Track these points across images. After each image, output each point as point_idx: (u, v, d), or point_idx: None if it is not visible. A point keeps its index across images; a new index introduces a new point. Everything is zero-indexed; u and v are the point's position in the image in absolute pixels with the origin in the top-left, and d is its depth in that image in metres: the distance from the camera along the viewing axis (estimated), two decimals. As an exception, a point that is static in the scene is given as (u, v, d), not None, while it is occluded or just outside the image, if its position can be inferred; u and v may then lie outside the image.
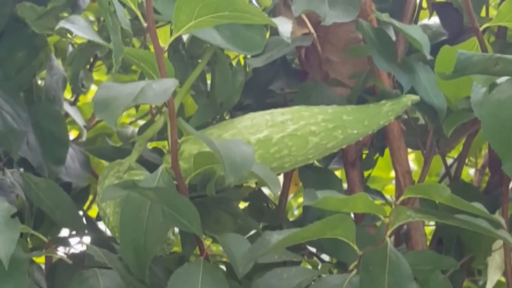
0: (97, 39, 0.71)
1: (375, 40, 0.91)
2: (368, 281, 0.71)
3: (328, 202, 0.67)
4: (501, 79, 0.81)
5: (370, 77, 0.97)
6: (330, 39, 1.02)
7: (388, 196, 1.77)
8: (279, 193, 0.75)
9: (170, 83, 0.69)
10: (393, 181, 1.50)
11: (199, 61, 0.98)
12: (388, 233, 0.73)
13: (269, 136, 0.87)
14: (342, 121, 0.88)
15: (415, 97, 0.90)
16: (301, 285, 0.79)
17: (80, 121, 1.16)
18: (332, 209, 0.69)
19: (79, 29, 0.70)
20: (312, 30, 0.97)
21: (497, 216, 0.68)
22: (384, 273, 0.71)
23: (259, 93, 1.04)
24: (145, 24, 0.70)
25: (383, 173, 1.72)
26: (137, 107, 1.13)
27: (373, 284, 0.71)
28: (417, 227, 1.02)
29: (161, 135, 0.96)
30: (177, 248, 1.00)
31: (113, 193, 0.75)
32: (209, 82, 1.00)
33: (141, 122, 1.40)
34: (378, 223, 1.06)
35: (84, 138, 1.17)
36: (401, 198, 0.72)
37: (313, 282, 0.79)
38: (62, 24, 0.70)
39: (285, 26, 0.75)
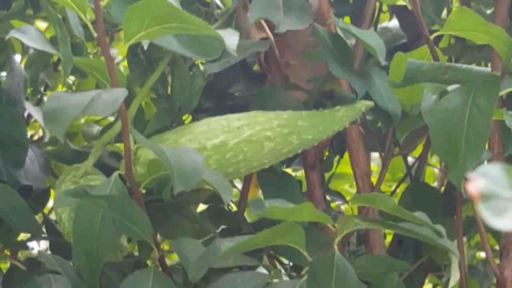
0: (48, 49, 0.72)
1: (330, 45, 0.92)
2: (315, 288, 0.72)
3: (274, 212, 0.68)
4: (451, 87, 0.82)
5: (327, 81, 0.98)
6: (289, 42, 1.03)
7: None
8: (229, 200, 0.76)
9: (119, 93, 0.69)
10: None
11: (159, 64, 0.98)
12: (336, 240, 0.74)
13: (224, 141, 0.88)
14: (297, 127, 0.89)
15: (369, 103, 0.91)
16: (253, 291, 0.81)
17: (43, 122, 1.15)
18: (278, 218, 0.70)
19: (30, 38, 0.71)
20: (270, 35, 0.97)
21: (438, 226, 0.69)
22: (331, 281, 0.72)
23: (219, 96, 1.05)
24: (95, 34, 0.71)
25: (350, 169, 1.74)
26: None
27: (320, 292, 0.72)
28: (375, 229, 1.03)
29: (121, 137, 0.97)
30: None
31: (66, 201, 0.76)
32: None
33: (112, 119, 1.40)
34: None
35: (47, 139, 1.17)
36: (348, 207, 0.73)
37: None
38: (13, 33, 0.70)
39: (231, 39, 0.76)
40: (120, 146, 1.06)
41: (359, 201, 0.72)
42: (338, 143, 1.11)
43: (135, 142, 0.84)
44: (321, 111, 0.91)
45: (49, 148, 1.17)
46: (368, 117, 1.06)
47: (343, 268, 0.73)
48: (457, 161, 0.75)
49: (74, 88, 1.38)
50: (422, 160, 1.19)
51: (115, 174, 0.80)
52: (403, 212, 0.68)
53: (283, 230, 0.72)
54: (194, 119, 1.05)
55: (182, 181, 0.71)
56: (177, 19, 0.69)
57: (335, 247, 0.74)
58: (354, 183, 1.76)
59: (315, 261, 0.74)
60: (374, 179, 1.05)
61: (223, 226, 1.04)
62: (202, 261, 0.75)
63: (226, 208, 1.06)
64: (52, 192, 1.09)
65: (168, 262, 0.87)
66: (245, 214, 1.08)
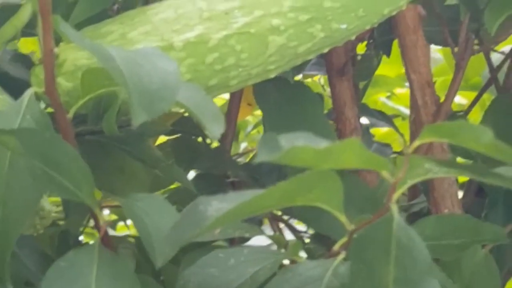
0: None
1: None
2: (363, 275, 0.72)
3: (298, 156, 0.68)
4: None
5: None
6: None
7: (401, 108, 1.81)
8: (220, 134, 0.75)
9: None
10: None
11: None
12: (395, 197, 0.74)
13: (204, 35, 0.87)
14: (323, 10, 0.89)
15: (439, -31, 0.91)
16: (257, 278, 0.81)
17: None
18: (305, 165, 0.70)
19: None
20: None
21: None
22: (388, 264, 0.72)
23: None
24: None
25: (391, 70, 1.75)
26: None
27: (371, 280, 0.72)
28: (443, 172, 1.04)
29: (31, 29, 0.96)
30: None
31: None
32: None
33: None
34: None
35: None
36: (415, 144, 0.73)
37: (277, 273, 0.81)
38: None
39: None
40: (24, 44, 1.05)
41: (434, 135, 0.72)
42: (382, 33, 1.11)
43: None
44: (361, -16, 0.91)
45: None
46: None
47: (408, 243, 0.73)
48: None
49: None
50: (514, 59, 1.19)
51: (29, 93, 0.79)
52: (510, 152, 0.68)
53: (310, 183, 0.72)
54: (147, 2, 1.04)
55: (145, 105, 0.70)
56: None
57: (394, 208, 0.74)
58: (398, 94, 1.80)
59: (361, 232, 0.74)
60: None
61: (198, 171, 1.05)
62: (177, 235, 0.75)
63: (203, 141, 1.07)
64: None
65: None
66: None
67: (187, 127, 1.05)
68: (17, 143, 0.75)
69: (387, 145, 1.18)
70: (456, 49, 1.06)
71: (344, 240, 0.80)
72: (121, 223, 1.94)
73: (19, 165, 0.77)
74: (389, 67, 1.67)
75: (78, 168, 0.76)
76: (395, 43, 1.12)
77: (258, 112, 1.67)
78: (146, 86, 0.72)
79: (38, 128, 0.78)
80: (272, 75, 0.92)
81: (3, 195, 0.77)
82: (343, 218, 0.77)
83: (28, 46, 1.15)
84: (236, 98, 1.07)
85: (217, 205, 0.76)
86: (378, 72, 1.55)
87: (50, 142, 0.76)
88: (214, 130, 0.75)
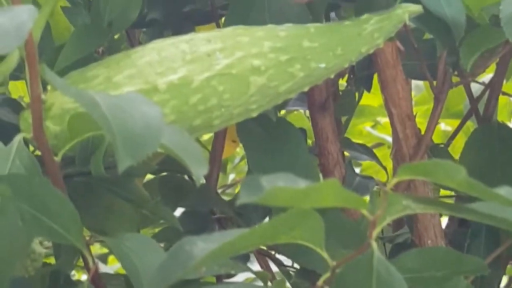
0: None
1: None
2: (345, 310, 0.75)
3: (279, 197, 0.69)
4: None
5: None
6: None
7: (385, 136, 1.83)
8: (203, 175, 0.77)
9: (25, 16, 0.70)
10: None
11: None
12: (375, 233, 0.77)
13: (187, 77, 0.89)
14: (302, 50, 0.91)
15: (415, 8, 0.92)
16: (243, 313, 0.83)
17: None
18: (286, 205, 0.72)
19: None
20: None
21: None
22: (369, 298, 0.74)
23: (171, 1, 1.05)
24: None
25: (374, 99, 1.76)
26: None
27: (353, 315, 0.74)
28: (426, 204, 1.06)
29: (19, 72, 0.96)
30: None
31: None
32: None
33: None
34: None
35: None
36: (393, 182, 0.75)
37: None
38: None
39: None
40: (14, 87, 1.06)
41: (410, 173, 0.74)
42: (362, 67, 1.13)
43: (43, 87, 0.85)
44: (339, 23, 0.92)
45: None
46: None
47: (387, 277, 0.75)
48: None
49: None
50: (495, 89, 1.20)
51: (18, 138, 0.81)
52: (481, 189, 0.70)
53: (292, 221, 0.74)
54: (133, 41, 1.06)
55: (129, 150, 0.71)
56: None
57: (374, 245, 0.76)
58: (384, 123, 1.81)
59: (343, 267, 0.76)
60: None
61: (184, 209, 1.06)
62: (164, 274, 0.77)
63: (189, 179, 1.08)
64: None
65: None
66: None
67: (172, 165, 1.06)
68: (7, 188, 0.77)
69: (370, 178, 1.20)
70: (435, 83, 1.07)
71: (327, 275, 0.81)
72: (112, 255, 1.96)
73: (9, 210, 0.78)
74: (373, 97, 1.68)
75: (67, 212, 0.78)
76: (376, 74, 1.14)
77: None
78: (131, 131, 0.73)
79: (27, 173, 0.79)
80: (254, 114, 0.93)
81: (-5, 239, 0.78)
82: (325, 254, 0.78)
83: (17, 87, 1.16)
84: (220, 136, 1.09)
85: (203, 245, 0.78)
86: (362, 102, 1.58)
87: (39, 187, 0.78)
88: (198, 172, 0.77)
